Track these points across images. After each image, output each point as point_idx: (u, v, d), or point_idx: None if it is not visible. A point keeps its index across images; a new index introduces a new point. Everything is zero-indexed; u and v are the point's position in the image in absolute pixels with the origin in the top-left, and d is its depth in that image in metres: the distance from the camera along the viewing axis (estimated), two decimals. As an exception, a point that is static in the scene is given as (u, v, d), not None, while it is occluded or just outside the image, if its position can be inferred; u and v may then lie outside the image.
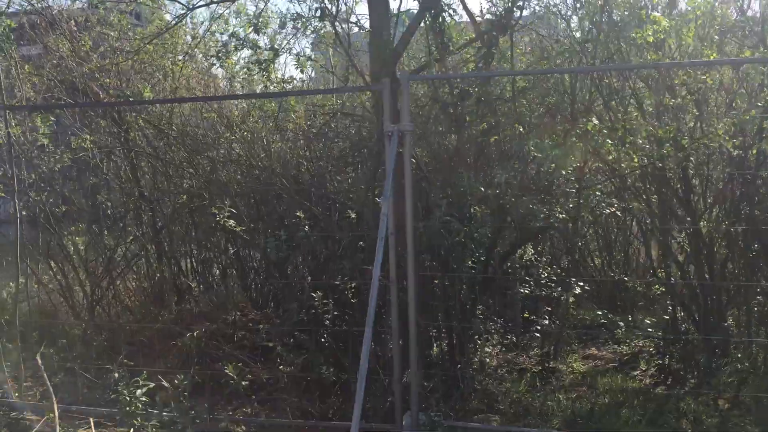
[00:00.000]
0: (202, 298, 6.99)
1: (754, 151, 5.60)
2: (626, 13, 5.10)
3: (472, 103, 5.03)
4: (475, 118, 5.04)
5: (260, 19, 7.54)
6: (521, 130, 5.46)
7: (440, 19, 5.19)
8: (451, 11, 5.24)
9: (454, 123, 4.94)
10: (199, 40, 7.80)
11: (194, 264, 7.72)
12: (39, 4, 8.27)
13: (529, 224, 4.70)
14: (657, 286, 8.20)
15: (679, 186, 5.91)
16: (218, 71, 8.42)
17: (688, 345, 6.73)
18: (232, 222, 5.42)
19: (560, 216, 4.92)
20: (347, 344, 5.46)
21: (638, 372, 6.83)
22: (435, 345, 5.88)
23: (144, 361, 6.39)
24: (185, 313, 6.86)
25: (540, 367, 6.53)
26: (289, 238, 5.36)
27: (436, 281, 5.17)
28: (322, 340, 5.44)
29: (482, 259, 5.04)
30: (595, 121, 5.13)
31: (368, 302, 4.24)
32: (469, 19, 6.30)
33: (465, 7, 6.12)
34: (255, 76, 8.41)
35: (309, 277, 5.76)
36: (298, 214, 5.38)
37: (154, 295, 7.48)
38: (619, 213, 5.59)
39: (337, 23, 6.22)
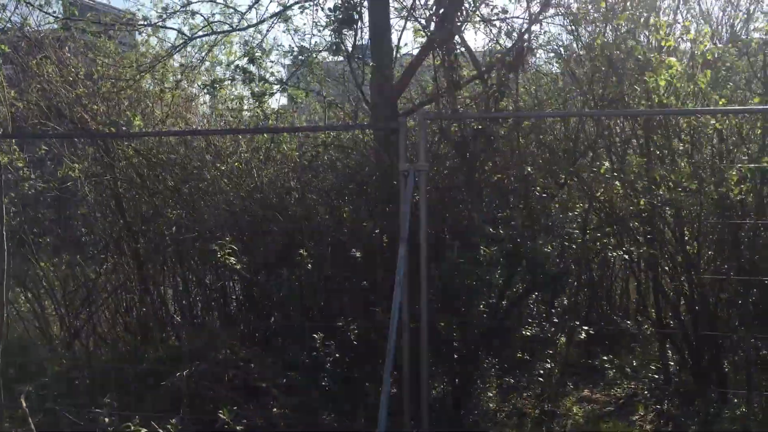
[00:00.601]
0: (188, 335, 6.72)
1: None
2: (638, 56, 5.06)
3: (483, 143, 4.92)
4: (485, 157, 4.93)
5: (260, 50, 7.49)
6: (529, 170, 5.37)
7: (452, 56, 5.09)
8: (462, 48, 5.14)
9: (466, 162, 4.82)
10: (192, 67, 7.62)
11: (180, 299, 7.45)
12: (23, 27, 8.05)
13: (544, 269, 4.57)
14: (647, 328, 8.21)
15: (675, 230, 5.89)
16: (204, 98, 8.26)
17: (681, 390, 6.70)
18: (233, 259, 5.21)
19: (571, 260, 4.81)
20: (349, 388, 5.26)
21: (637, 417, 6.71)
22: (436, 389, 5.71)
23: (130, 401, 6.11)
24: (172, 351, 6.60)
25: (538, 411, 6.39)
26: (293, 277, 5.16)
27: (441, 324, 5.01)
28: (323, 383, 5.22)
29: (492, 302, 4.90)
30: (607, 164, 5.06)
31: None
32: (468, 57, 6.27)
33: (464, 44, 6.08)
34: (245, 107, 8.30)
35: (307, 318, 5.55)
36: (301, 252, 5.19)
37: (138, 329, 7.20)
38: (626, 257, 5.48)
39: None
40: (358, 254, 5.22)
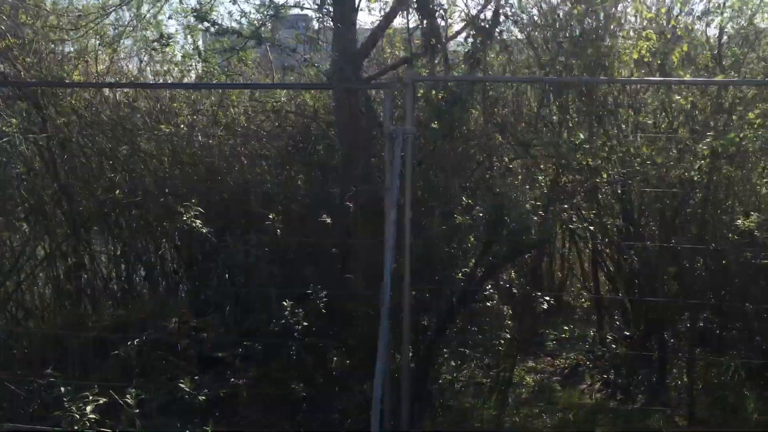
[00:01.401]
0: (134, 303, 6.41)
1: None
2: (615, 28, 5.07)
3: (459, 109, 4.83)
4: (464, 123, 4.85)
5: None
6: (499, 138, 5.33)
7: (432, 18, 4.96)
8: (442, 12, 5.02)
9: (444, 128, 4.73)
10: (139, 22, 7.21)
11: (122, 267, 7.09)
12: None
13: (526, 236, 4.54)
14: (584, 300, 8.43)
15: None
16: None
17: (617, 359, 6.89)
18: (198, 222, 4.96)
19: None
20: (317, 356, 5.13)
21: (584, 386, 6.86)
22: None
23: (76, 372, 5.78)
24: (117, 321, 6.28)
25: (491, 381, 6.42)
26: (259, 243, 4.96)
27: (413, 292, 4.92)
28: (291, 353, 5.06)
29: (467, 271, 4.85)
30: (582, 136, 5.07)
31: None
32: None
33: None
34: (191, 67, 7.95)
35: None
36: (270, 216, 4.99)
37: (75, 299, 6.81)
38: (592, 228, 5.53)
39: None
40: (328, 220, 5.05)
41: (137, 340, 5.72)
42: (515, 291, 5.91)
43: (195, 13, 7.49)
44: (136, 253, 7.26)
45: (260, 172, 7.19)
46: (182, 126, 7.39)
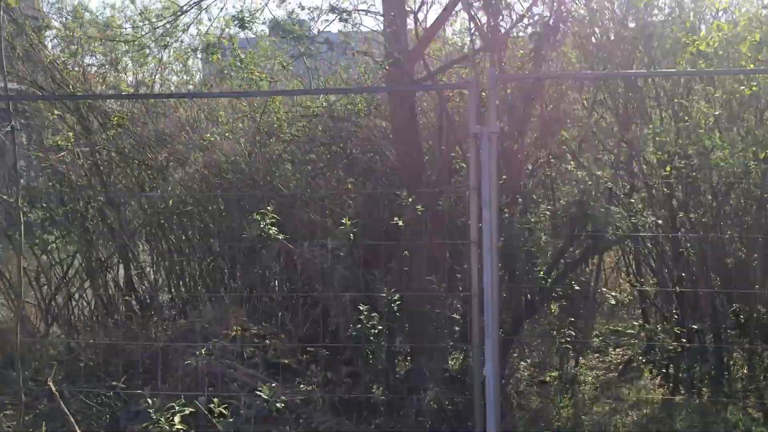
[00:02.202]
0: (195, 312, 6.38)
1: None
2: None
3: (532, 107, 4.82)
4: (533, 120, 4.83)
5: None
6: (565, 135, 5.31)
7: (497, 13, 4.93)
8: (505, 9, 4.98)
9: (517, 126, 4.71)
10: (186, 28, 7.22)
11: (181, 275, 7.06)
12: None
13: (609, 233, 4.51)
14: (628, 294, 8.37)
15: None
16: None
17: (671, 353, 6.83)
18: (274, 230, 4.94)
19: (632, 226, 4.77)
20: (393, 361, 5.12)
21: (645, 382, 6.82)
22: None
23: (144, 383, 5.75)
24: (179, 330, 6.25)
25: (557, 379, 6.40)
26: (335, 248, 4.94)
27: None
28: (368, 357, 5.03)
29: (546, 269, 4.83)
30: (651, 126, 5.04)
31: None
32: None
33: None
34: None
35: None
36: (343, 221, 4.97)
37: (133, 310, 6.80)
38: (660, 222, 5.49)
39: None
40: (400, 222, 5.03)
41: (204, 349, 5.71)
42: (577, 287, 5.87)
43: (237, 21, 7.54)
44: (187, 261, 7.23)
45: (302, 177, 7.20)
46: (227, 134, 7.38)
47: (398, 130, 6.37)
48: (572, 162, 5.24)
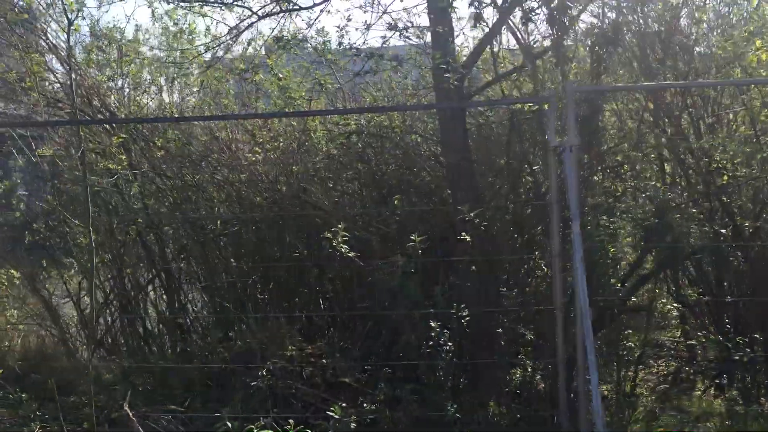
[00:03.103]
0: (251, 332, 6.33)
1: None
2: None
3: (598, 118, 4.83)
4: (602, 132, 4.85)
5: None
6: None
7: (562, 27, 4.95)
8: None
9: (590, 136, 4.71)
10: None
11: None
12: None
13: (685, 244, 4.51)
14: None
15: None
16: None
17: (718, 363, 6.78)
18: (345, 247, 4.92)
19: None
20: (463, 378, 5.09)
21: (699, 392, 6.78)
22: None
23: (209, 405, 5.71)
24: (235, 350, 6.20)
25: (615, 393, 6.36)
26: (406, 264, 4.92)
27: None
28: (439, 374, 5.01)
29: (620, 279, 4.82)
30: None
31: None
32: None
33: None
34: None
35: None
36: (412, 237, 4.96)
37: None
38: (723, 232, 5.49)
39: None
40: (467, 238, 5.02)
41: (265, 369, 5.68)
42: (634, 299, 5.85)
43: (279, 43, 7.56)
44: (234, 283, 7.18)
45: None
46: (270, 153, 7.38)
47: (448, 144, 6.39)
48: (646, 173, 5.25)
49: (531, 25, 5.70)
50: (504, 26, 5.77)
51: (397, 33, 5.89)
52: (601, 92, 5.00)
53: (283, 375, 5.79)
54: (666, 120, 5.53)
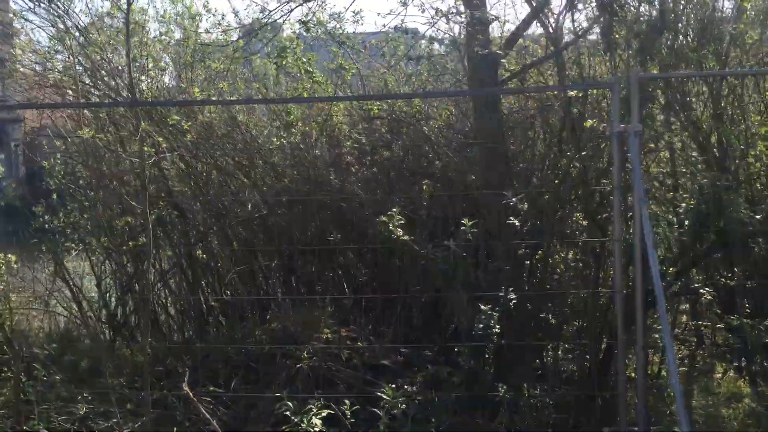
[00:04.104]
0: (284, 315, 6.36)
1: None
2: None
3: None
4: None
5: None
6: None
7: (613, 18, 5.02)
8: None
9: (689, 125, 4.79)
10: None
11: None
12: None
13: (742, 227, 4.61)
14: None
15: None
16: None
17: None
18: (400, 231, 4.95)
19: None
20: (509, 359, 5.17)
21: (720, 375, 6.93)
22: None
23: (249, 386, 5.73)
24: (272, 333, 6.23)
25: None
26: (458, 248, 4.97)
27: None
28: (487, 356, 5.09)
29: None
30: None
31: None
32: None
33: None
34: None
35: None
36: (463, 221, 5.01)
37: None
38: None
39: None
40: (516, 223, 5.10)
41: (305, 351, 5.71)
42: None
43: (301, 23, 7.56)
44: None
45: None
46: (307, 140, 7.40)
47: (483, 130, 6.44)
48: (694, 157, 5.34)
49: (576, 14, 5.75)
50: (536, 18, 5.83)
51: (441, 17, 5.89)
52: (664, 79, 5.09)
53: (323, 357, 5.83)
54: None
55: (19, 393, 5.01)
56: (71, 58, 6.31)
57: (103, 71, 6.84)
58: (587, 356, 5.44)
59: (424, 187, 6.77)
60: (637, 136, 4.27)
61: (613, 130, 4.34)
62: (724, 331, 7.38)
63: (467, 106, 7.43)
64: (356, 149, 7.46)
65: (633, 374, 6.51)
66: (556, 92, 5.64)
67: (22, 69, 8.02)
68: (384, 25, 6.67)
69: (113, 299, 7.48)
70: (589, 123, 5.01)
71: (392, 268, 6.48)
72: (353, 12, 7.01)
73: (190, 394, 4.72)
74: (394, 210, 4.95)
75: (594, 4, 5.14)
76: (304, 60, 7.60)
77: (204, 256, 7.24)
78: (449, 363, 5.71)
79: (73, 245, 7.32)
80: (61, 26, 6.74)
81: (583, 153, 5.14)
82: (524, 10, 6.45)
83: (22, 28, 7.83)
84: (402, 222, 4.93)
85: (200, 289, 7.24)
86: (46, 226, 7.35)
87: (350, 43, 7.98)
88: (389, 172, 7.27)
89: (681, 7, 5.53)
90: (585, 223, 5.42)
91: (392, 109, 7.59)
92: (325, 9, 7.36)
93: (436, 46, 6.58)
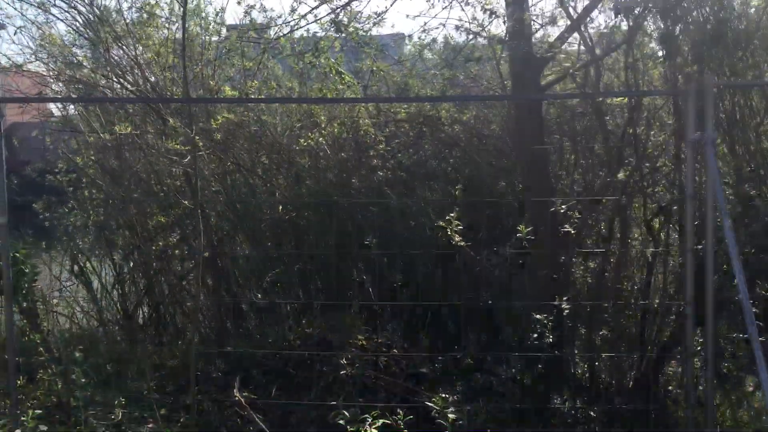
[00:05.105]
0: (316, 321, 6.19)
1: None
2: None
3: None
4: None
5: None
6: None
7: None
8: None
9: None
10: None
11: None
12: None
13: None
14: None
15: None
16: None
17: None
18: (457, 237, 4.81)
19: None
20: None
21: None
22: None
23: (282, 392, 5.57)
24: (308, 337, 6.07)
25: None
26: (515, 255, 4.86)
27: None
28: (539, 366, 4.96)
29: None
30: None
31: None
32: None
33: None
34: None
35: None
36: (519, 228, 4.88)
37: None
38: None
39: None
40: (571, 230, 4.99)
41: (343, 359, 5.56)
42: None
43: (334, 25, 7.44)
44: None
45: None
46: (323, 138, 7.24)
47: (522, 134, 6.35)
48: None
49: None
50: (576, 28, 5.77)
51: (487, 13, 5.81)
52: (741, 87, 5.01)
53: (360, 364, 5.68)
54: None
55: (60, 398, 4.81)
56: (104, 52, 6.10)
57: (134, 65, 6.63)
58: (638, 367, 5.33)
59: (456, 192, 6.68)
60: (713, 145, 4.16)
61: (688, 138, 4.24)
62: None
63: (499, 112, 7.37)
64: (383, 152, 7.33)
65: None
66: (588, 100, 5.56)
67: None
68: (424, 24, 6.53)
69: (132, 299, 7.27)
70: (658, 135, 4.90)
71: (428, 273, 6.33)
72: (378, 12, 6.83)
73: (242, 401, 4.53)
74: (452, 215, 4.81)
75: (654, 11, 5.04)
76: (333, 60, 7.51)
77: (238, 258, 7.06)
78: (492, 373, 5.60)
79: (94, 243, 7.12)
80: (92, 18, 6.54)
81: (645, 163, 5.05)
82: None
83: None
84: (460, 227, 4.78)
85: (231, 292, 7.04)
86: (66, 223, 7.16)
87: (374, 45, 7.88)
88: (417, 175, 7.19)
89: (737, 14, 5.44)
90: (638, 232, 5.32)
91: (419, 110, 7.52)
92: (358, 12, 7.20)
93: (480, 41, 6.45)
